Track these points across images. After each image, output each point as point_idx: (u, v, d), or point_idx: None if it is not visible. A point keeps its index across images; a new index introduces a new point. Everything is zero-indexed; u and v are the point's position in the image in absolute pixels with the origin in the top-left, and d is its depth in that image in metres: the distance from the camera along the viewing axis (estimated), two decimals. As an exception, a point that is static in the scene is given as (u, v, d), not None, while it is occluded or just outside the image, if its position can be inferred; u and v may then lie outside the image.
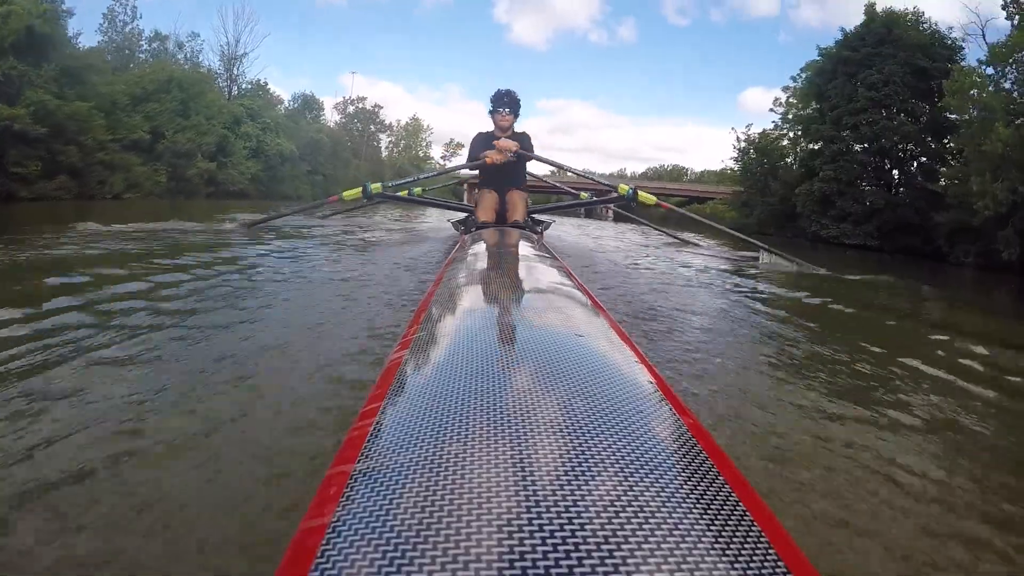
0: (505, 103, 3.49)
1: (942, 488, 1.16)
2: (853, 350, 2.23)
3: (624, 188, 3.72)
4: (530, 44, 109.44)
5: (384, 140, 47.77)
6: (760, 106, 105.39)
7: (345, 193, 3.85)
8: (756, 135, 21.49)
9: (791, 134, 19.99)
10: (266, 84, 26.95)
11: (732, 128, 23.05)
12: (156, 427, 1.14)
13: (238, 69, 25.95)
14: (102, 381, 1.33)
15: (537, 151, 3.62)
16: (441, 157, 54.43)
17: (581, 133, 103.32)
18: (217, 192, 18.30)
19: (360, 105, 44.39)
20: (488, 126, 3.61)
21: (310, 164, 25.26)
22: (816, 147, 16.76)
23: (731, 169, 24.95)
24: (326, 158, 26.65)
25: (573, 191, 6.40)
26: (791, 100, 21.21)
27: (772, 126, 21.12)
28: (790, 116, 20.86)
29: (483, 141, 3.55)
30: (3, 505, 0.87)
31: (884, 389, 1.80)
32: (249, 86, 26.51)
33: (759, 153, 20.20)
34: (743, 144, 20.86)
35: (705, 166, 65.63)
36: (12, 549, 0.79)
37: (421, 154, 51.38)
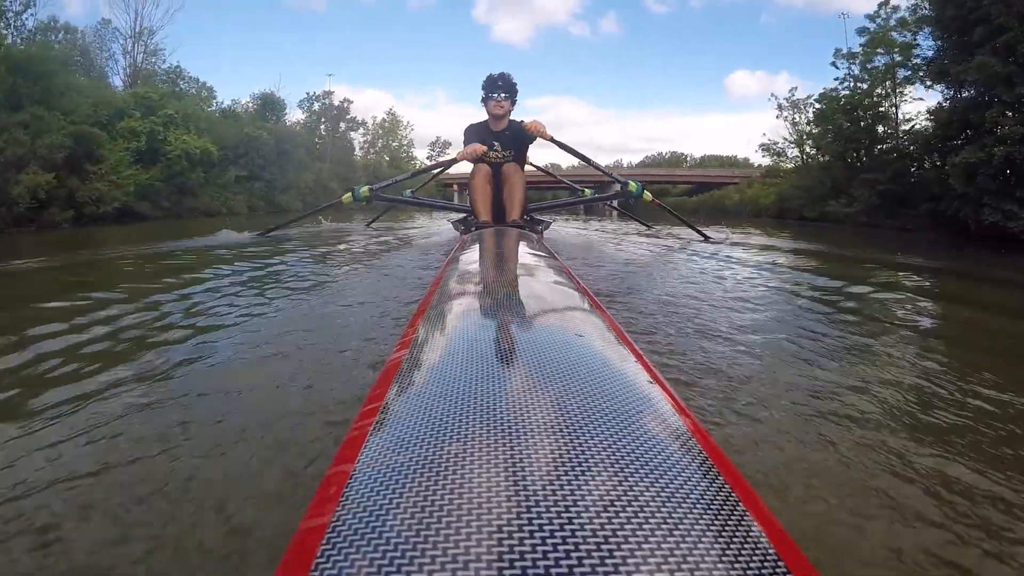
0: (499, 87, 3.27)
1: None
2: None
3: (633, 185, 3.61)
4: (512, 43, 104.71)
5: (359, 140, 42.31)
6: (747, 88, 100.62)
7: (343, 197, 3.88)
8: (806, 99, 16.32)
9: (892, 85, 14.39)
10: (179, 67, 21.19)
11: (772, 95, 19.78)
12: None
13: (137, 49, 20.17)
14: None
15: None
16: (427, 158, 49.02)
17: (572, 130, 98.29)
18: (83, 217, 12.70)
19: (326, 101, 38.89)
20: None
21: (245, 168, 19.59)
22: (973, 94, 10.97)
23: (774, 143, 20.55)
24: (268, 160, 20.85)
25: (574, 187, 5.94)
26: (864, 48, 15.86)
27: (834, 84, 15.86)
28: (870, 63, 15.43)
29: (476, 133, 3.35)
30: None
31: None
32: (163, 75, 20.93)
33: (846, 115, 14.60)
34: (822, 106, 15.28)
35: (696, 152, 61.84)
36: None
37: (403, 154, 45.97)
